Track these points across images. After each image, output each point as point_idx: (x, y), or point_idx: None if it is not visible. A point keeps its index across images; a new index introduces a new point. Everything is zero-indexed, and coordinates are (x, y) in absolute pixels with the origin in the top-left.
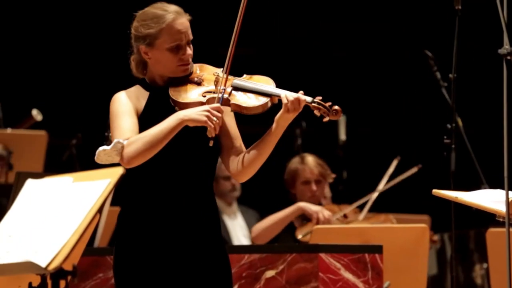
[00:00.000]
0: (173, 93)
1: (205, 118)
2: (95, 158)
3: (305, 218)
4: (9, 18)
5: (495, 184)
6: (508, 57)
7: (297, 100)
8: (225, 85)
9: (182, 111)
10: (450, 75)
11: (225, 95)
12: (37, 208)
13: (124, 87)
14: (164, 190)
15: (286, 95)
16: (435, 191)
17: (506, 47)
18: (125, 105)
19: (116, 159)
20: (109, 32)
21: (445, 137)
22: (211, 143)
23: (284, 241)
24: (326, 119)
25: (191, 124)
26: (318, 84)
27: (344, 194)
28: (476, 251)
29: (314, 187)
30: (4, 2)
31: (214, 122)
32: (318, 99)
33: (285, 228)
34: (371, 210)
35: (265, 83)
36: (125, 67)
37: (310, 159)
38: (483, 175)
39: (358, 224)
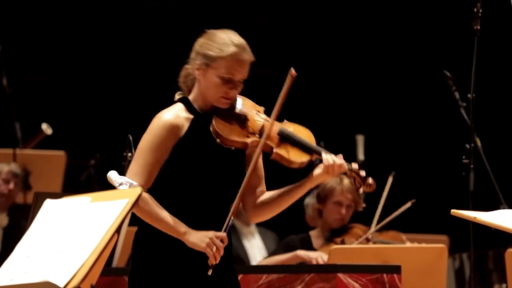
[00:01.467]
0: (217, 125)
1: (204, 245)
2: (108, 175)
3: (328, 239)
4: (30, 45)
5: None
6: None
7: (339, 166)
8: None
9: (189, 234)
10: (469, 95)
11: (269, 142)
12: (56, 228)
13: (144, 110)
14: (185, 212)
15: (329, 158)
16: (454, 211)
17: None
18: (163, 141)
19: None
20: (130, 56)
21: (463, 157)
22: (210, 272)
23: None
24: (360, 190)
25: (191, 246)
26: (336, 105)
27: (362, 213)
28: (495, 271)
29: (344, 210)
30: (21, 25)
31: (214, 251)
32: (355, 168)
33: (304, 247)
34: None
35: (307, 138)
36: (143, 89)
37: (347, 182)
38: (502, 195)
39: (377, 244)
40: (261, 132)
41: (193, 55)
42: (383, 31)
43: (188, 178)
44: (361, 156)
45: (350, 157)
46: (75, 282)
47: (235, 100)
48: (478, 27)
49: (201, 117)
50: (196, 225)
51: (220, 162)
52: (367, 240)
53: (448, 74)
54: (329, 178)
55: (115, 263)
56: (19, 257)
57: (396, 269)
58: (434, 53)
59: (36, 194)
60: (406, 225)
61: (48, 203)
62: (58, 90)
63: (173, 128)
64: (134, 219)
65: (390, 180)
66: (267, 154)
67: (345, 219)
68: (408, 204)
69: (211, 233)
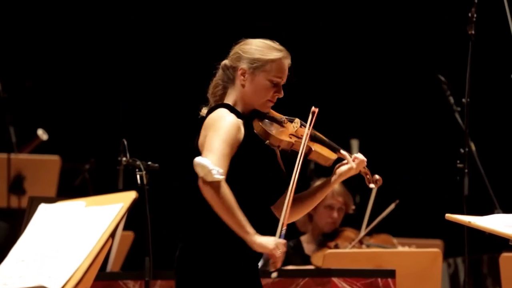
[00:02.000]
0: (265, 127)
1: (272, 247)
2: (198, 163)
3: (321, 243)
4: (25, 50)
5: (509, 208)
6: None
7: (363, 161)
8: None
9: (257, 235)
10: (463, 100)
11: (307, 144)
12: (50, 233)
13: (139, 114)
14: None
15: (355, 156)
16: (448, 216)
17: None
18: (234, 134)
19: (207, 178)
20: (121, 60)
21: (458, 161)
22: (274, 275)
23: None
24: (371, 185)
25: (256, 248)
26: (331, 110)
27: (356, 218)
28: (489, 276)
29: (335, 214)
30: (17, 29)
31: (279, 255)
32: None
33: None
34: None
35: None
36: (138, 93)
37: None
38: (496, 200)
39: (372, 248)
40: (297, 134)
41: (231, 62)
42: (378, 36)
43: (249, 178)
44: None
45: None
46: (69, 286)
47: None
48: (473, 32)
49: (246, 120)
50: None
51: (273, 163)
52: (360, 243)
53: (442, 78)
54: (353, 174)
55: (109, 268)
56: (14, 262)
57: (391, 274)
58: (428, 58)
59: (31, 199)
60: (401, 229)
61: (43, 208)
62: (53, 94)
63: (239, 129)
64: (128, 223)
65: (373, 192)
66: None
67: (336, 222)
68: (392, 206)
69: (274, 238)
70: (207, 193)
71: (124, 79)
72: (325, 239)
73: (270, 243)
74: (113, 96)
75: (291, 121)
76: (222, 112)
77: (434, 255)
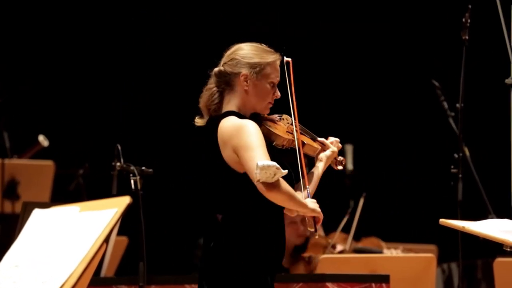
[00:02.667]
0: (270, 128)
1: (319, 211)
2: (262, 166)
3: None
4: (20, 53)
5: (503, 213)
6: None
7: (338, 141)
8: (299, 137)
9: (308, 200)
10: (457, 105)
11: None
12: (44, 238)
13: (131, 118)
14: (264, 214)
15: (335, 140)
16: (442, 221)
17: None
18: (262, 136)
19: (269, 180)
20: (115, 65)
21: (452, 166)
22: (317, 235)
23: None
24: (339, 167)
25: (309, 213)
26: (325, 114)
27: (350, 223)
28: (483, 281)
29: (301, 227)
30: (13, 33)
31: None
32: None
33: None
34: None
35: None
36: (132, 99)
37: None
38: (490, 205)
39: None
40: (290, 130)
41: (230, 69)
42: (373, 41)
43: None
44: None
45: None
46: None
47: None
48: (467, 37)
49: None
50: (277, 226)
51: (283, 163)
52: (333, 248)
53: (436, 83)
54: (333, 156)
55: (103, 273)
56: (8, 267)
57: (385, 279)
58: (422, 63)
59: (25, 204)
60: (395, 234)
61: (37, 213)
62: (47, 99)
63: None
64: (122, 229)
65: (361, 201)
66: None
67: (304, 234)
68: (362, 200)
69: (313, 200)
70: (273, 194)
71: (119, 84)
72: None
73: (316, 207)
74: (107, 101)
75: (280, 118)
76: (237, 120)
77: (428, 260)
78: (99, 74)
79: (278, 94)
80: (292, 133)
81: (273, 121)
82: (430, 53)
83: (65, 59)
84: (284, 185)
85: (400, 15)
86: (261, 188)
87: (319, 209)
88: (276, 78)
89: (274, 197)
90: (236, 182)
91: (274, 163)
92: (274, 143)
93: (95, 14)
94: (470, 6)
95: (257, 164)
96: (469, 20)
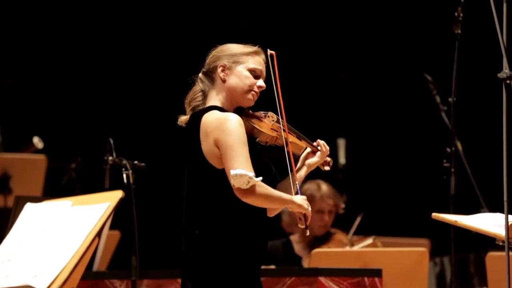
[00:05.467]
0: (255, 124)
1: (307, 208)
2: (235, 175)
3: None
4: (11, 47)
5: (495, 207)
6: (508, 81)
7: (327, 151)
8: (286, 135)
9: (295, 196)
10: (450, 99)
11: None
12: (36, 232)
13: (123, 112)
14: (247, 210)
15: (324, 144)
16: (435, 215)
17: (505, 71)
18: (244, 133)
19: (243, 187)
20: (107, 59)
21: (444, 160)
22: (307, 232)
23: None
24: (326, 168)
25: (296, 208)
26: (318, 109)
27: (344, 217)
28: (475, 275)
29: (326, 217)
30: (5, 30)
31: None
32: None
33: (286, 252)
34: (363, 233)
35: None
36: (124, 92)
37: (326, 188)
38: (483, 199)
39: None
40: (274, 127)
41: (209, 64)
42: (365, 35)
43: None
44: (342, 160)
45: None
46: (55, 285)
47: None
48: (459, 31)
49: None
50: (257, 221)
51: (264, 160)
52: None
53: (429, 78)
54: (319, 163)
55: (96, 267)
56: (0, 261)
57: (377, 273)
58: (415, 57)
59: (17, 198)
60: (388, 229)
61: (29, 207)
62: (39, 94)
63: (243, 125)
64: (115, 223)
65: (358, 220)
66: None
67: (328, 225)
68: (358, 218)
69: (302, 197)
70: (250, 199)
71: (111, 78)
72: (317, 242)
73: (305, 203)
74: (99, 95)
75: (266, 116)
76: (220, 114)
77: (421, 254)
78: (91, 68)
79: (262, 84)
80: (276, 131)
81: (258, 117)
82: (423, 47)
83: (58, 53)
84: (260, 188)
85: (392, 9)
86: (237, 194)
87: (306, 206)
88: (256, 67)
89: (251, 202)
90: (215, 178)
91: (247, 173)
92: (257, 140)
93: (85, 9)
94: (462, 0)
95: (230, 173)
96: (461, 14)
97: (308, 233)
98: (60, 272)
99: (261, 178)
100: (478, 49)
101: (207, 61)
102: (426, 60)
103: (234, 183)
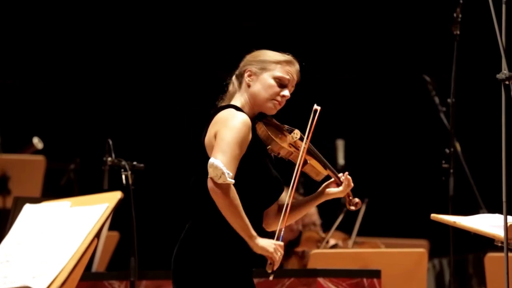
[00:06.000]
0: (270, 131)
1: (272, 250)
2: (211, 164)
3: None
4: (10, 47)
5: (494, 208)
6: (506, 82)
7: (350, 185)
8: (295, 185)
9: (259, 238)
10: (449, 100)
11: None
12: (35, 233)
13: (122, 113)
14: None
15: (349, 178)
16: (434, 216)
17: (504, 72)
18: (246, 135)
19: (215, 179)
20: (106, 60)
21: (443, 161)
22: (271, 277)
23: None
24: (351, 208)
25: (258, 250)
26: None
27: (342, 218)
28: (474, 276)
29: (294, 224)
30: (5, 31)
31: (278, 257)
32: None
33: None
34: (362, 234)
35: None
36: (123, 93)
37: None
38: (482, 200)
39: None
40: (295, 145)
41: (241, 68)
42: (364, 36)
43: (248, 180)
44: (341, 160)
45: (330, 162)
46: (54, 286)
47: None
48: (458, 32)
49: (252, 122)
50: (249, 219)
51: (271, 169)
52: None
53: (428, 78)
54: (342, 195)
55: (94, 268)
56: None
57: (376, 274)
58: (414, 58)
59: (16, 199)
60: (386, 230)
61: (28, 208)
62: (38, 94)
63: (250, 127)
64: (114, 224)
65: (363, 207)
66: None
67: (298, 228)
68: (364, 206)
69: (273, 241)
70: (216, 194)
71: (110, 79)
72: (290, 246)
73: (271, 246)
74: (98, 95)
75: (290, 132)
76: (232, 111)
77: (420, 255)
78: (90, 69)
79: (286, 93)
80: (295, 147)
81: (279, 128)
82: (422, 48)
83: (57, 54)
84: (232, 193)
85: (391, 10)
86: (208, 184)
87: (271, 250)
88: (283, 76)
89: (214, 198)
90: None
91: (223, 168)
92: (268, 147)
93: (85, 11)
94: (461, 1)
95: (209, 160)
96: (460, 15)
97: (271, 278)
98: (59, 273)
99: (233, 181)
100: (477, 50)
101: (240, 64)
102: (425, 61)
103: (209, 171)
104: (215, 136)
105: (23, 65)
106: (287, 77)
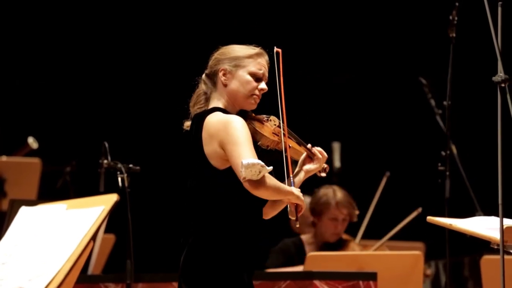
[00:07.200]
0: (254, 125)
1: (303, 202)
2: (247, 164)
3: None
4: (7, 48)
5: (490, 211)
6: (502, 85)
7: (325, 156)
8: (288, 152)
9: (295, 189)
10: (445, 102)
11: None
12: (31, 236)
13: (118, 115)
14: (240, 210)
15: (320, 151)
16: (430, 218)
17: (500, 75)
18: (248, 132)
19: (254, 178)
20: (103, 62)
21: (439, 164)
22: (297, 224)
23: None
24: (323, 174)
25: (294, 200)
26: (313, 112)
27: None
28: (470, 278)
29: (340, 226)
30: (2, 31)
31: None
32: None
33: (298, 251)
34: (364, 237)
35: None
36: (119, 96)
37: (341, 195)
38: (478, 202)
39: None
40: (276, 131)
41: (211, 68)
42: (360, 39)
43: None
44: (337, 163)
45: (326, 162)
46: None
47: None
48: (454, 35)
49: None
50: (250, 225)
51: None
52: None
53: (423, 81)
54: (317, 170)
55: (90, 270)
56: None
57: (372, 276)
58: (410, 61)
59: (12, 201)
60: (383, 232)
61: (24, 210)
62: (34, 96)
63: (246, 125)
64: (110, 226)
65: (384, 181)
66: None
67: (340, 233)
68: (415, 213)
69: (297, 190)
70: (259, 191)
71: (106, 81)
72: (328, 249)
73: (301, 195)
74: (94, 98)
75: (268, 119)
76: (223, 115)
77: (416, 257)
78: (86, 71)
79: (264, 86)
80: (277, 135)
81: (260, 121)
82: (418, 51)
83: (53, 57)
84: (270, 180)
85: (387, 13)
86: (247, 186)
87: (302, 198)
88: (258, 71)
89: (261, 194)
90: (216, 178)
91: (259, 161)
92: (259, 143)
93: (82, 13)
94: (457, 4)
95: (241, 163)
96: (456, 18)
97: (298, 225)
98: (55, 276)
99: (271, 168)
100: (473, 52)
101: (210, 63)
102: (421, 64)
103: (246, 173)
104: (220, 146)
105: (20, 67)
106: (261, 70)
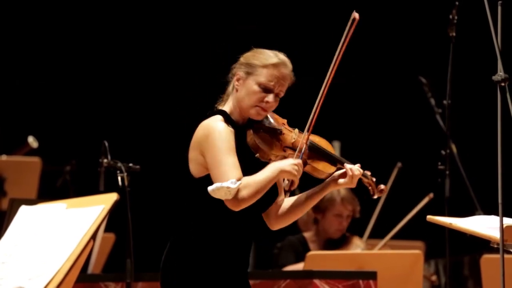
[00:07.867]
0: (257, 139)
1: (296, 173)
2: (212, 191)
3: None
4: (7, 47)
5: (490, 210)
6: (502, 84)
7: (359, 175)
8: (306, 144)
9: (278, 163)
10: (445, 101)
11: (303, 156)
12: (31, 235)
13: (118, 114)
14: (223, 222)
15: (351, 169)
16: (430, 217)
17: (500, 74)
18: (230, 141)
19: (229, 197)
20: (102, 61)
21: (439, 163)
22: (287, 196)
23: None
24: (374, 196)
25: (286, 176)
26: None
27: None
28: (470, 278)
29: (344, 222)
30: (1, 31)
31: (298, 178)
32: (370, 176)
33: (302, 248)
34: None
35: (330, 149)
36: (119, 95)
37: (345, 192)
38: (478, 201)
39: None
40: (294, 146)
41: (234, 70)
42: (360, 38)
43: None
44: None
45: None
46: None
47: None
48: (454, 34)
49: (239, 130)
50: (231, 234)
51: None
52: None
53: (423, 80)
54: (349, 186)
55: (90, 270)
56: None
57: (372, 275)
58: (410, 60)
59: (11, 201)
60: (382, 231)
61: (24, 210)
62: (34, 96)
63: (229, 132)
64: (109, 225)
65: (395, 171)
66: None
67: (344, 229)
68: (426, 199)
69: (294, 161)
70: (244, 203)
71: (105, 81)
72: (332, 245)
73: (294, 169)
74: (94, 97)
75: (286, 130)
76: (211, 122)
77: (416, 256)
78: (86, 70)
79: (270, 99)
80: (293, 149)
81: (273, 131)
82: (418, 50)
83: (53, 57)
84: (244, 191)
85: (387, 12)
86: (229, 206)
87: (296, 173)
88: (268, 82)
89: (245, 205)
90: (188, 184)
91: (222, 185)
92: (256, 155)
93: (82, 13)
94: (457, 3)
95: (209, 191)
96: (456, 17)
97: (288, 196)
98: (55, 275)
99: (239, 183)
100: (473, 51)
101: (235, 65)
102: (421, 63)
103: (219, 196)
104: (201, 154)
105: (20, 67)
106: (272, 83)
